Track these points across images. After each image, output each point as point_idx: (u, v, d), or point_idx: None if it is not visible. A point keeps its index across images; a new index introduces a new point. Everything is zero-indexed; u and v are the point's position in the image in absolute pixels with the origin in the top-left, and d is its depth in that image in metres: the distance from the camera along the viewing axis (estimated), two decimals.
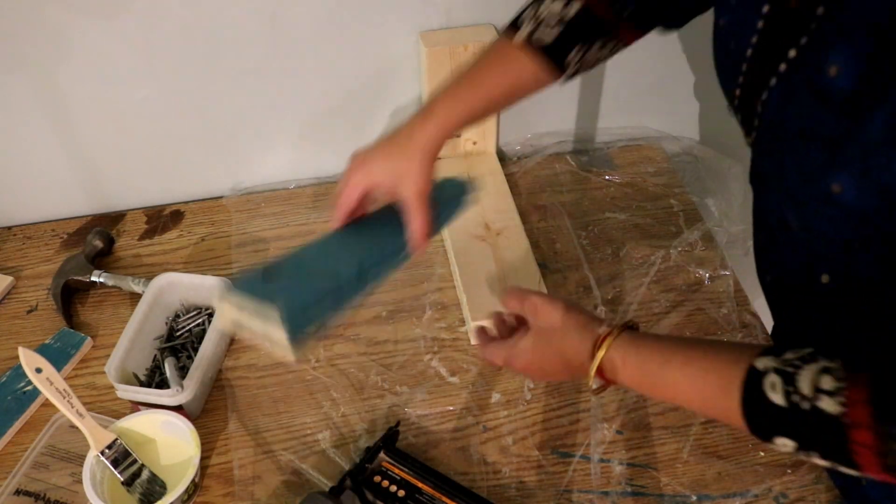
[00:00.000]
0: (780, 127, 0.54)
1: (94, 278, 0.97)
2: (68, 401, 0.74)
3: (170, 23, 0.94)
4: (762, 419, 0.52)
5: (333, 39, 1.00)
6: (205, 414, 0.86)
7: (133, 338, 0.85)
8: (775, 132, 0.56)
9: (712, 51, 0.64)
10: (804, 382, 0.49)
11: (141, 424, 0.80)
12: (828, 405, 0.48)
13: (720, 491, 0.78)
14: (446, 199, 0.71)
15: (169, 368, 0.85)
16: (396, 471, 0.77)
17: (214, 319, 0.87)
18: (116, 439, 0.76)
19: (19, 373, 0.89)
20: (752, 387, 0.52)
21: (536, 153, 1.16)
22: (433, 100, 0.71)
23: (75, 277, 0.97)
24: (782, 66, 0.52)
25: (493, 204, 1.04)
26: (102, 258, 1.04)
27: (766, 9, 0.54)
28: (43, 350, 0.91)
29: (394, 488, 0.76)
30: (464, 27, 1.02)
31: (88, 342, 0.93)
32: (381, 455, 0.78)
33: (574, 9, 0.69)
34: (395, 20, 1.00)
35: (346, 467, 0.80)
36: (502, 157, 1.12)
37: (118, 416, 0.81)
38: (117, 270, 1.02)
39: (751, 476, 0.79)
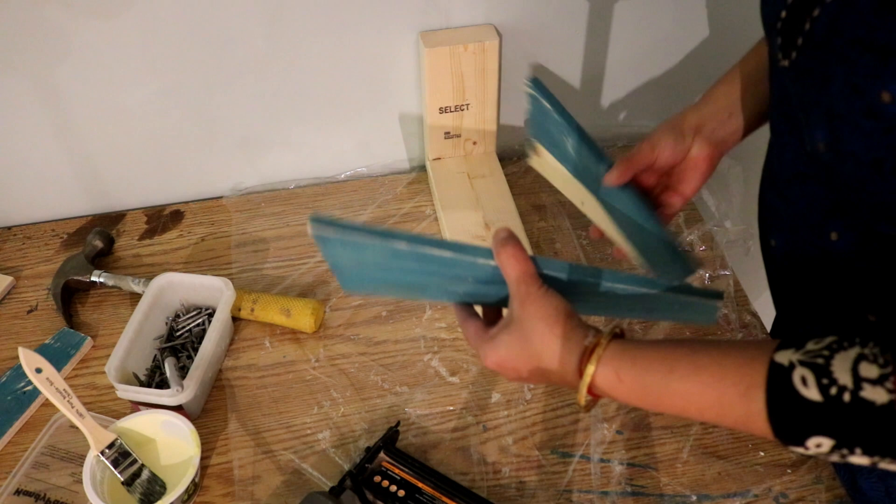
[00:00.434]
0: (831, 39, 0.52)
1: (94, 278, 0.97)
2: (68, 401, 0.74)
3: (169, 23, 0.94)
4: (794, 419, 0.47)
5: (333, 40, 1.00)
6: (205, 414, 0.86)
7: (133, 338, 0.85)
8: (825, 45, 0.53)
9: None
10: (841, 372, 0.45)
11: (141, 424, 0.80)
12: (874, 394, 0.44)
13: (720, 491, 0.78)
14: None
15: (169, 368, 0.85)
16: (396, 471, 0.77)
17: (214, 319, 0.87)
18: (116, 439, 0.76)
19: (19, 373, 0.89)
20: (779, 384, 0.48)
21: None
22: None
23: (75, 277, 0.97)
24: None
25: (493, 204, 1.04)
26: (102, 258, 1.04)
27: None
28: (43, 350, 0.91)
29: (394, 488, 0.76)
30: (464, 27, 1.02)
31: (88, 342, 0.93)
32: (381, 455, 0.78)
33: None
34: (395, 20, 1.00)
35: (346, 467, 0.80)
36: (502, 157, 1.12)
37: (118, 416, 0.81)
38: (117, 270, 1.02)
39: (751, 476, 0.79)
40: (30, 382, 0.86)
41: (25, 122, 1.00)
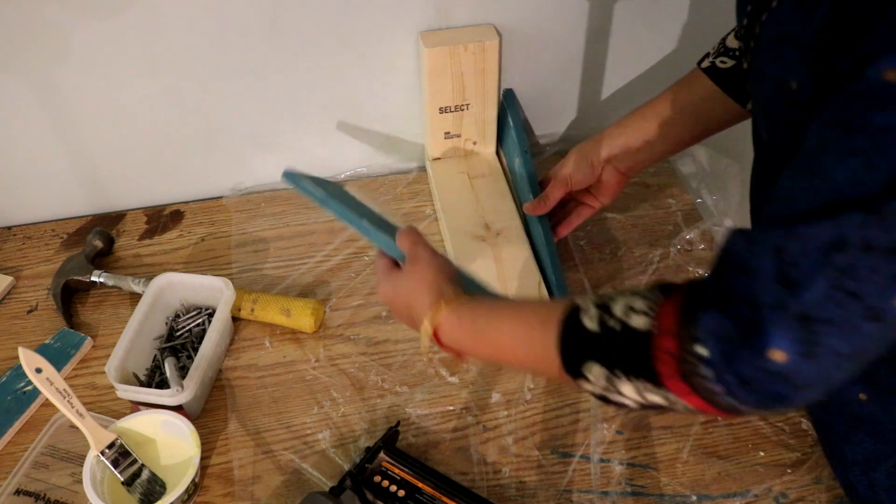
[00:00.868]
0: (767, 39, 0.58)
1: (94, 278, 0.98)
2: (68, 401, 0.74)
3: (170, 23, 0.94)
4: (574, 348, 0.54)
5: (333, 39, 1.00)
6: (205, 414, 0.86)
7: (133, 338, 0.85)
8: (763, 45, 0.58)
9: None
10: (619, 307, 0.51)
11: (141, 424, 0.80)
12: (637, 321, 0.50)
13: (720, 491, 0.78)
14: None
15: (169, 368, 0.85)
16: (396, 471, 0.77)
17: (214, 319, 0.87)
18: (116, 439, 0.76)
19: (19, 373, 0.89)
20: (570, 319, 0.54)
21: (536, 153, 1.16)
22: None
23: (75, 277, 0.97)
24: None
25: (493, 204, 1.04)
26: (102, 258, 1.04)
27: None
28: (43, 350, 0.91)
29: (394, 488, 0.76)
30: (464, 27, 1.02)
31: (88, 342, 0.93)
32: (381, 455, 0.78)
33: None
34: (395, 20, 1.00)
35: (346, 467, 0.80)
36: (511, 157, 1.12)
37: (118, 416, 0.81)
38: (117, 270, 1.02)
39: (751, 476, 0.79)
40: (30, 382, 0.86)
41: (25, 122, 1.00)
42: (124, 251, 1.06)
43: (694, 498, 0.77)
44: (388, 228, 0.75)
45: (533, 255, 0.96)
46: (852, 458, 0.72)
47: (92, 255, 1.01)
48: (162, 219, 1.10)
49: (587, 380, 0.53)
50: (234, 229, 1.08)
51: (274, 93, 1.04)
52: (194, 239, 1.07)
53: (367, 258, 1.02)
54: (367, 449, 0.79)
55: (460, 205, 1.04)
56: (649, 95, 1.13)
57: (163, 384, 0.86)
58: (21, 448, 0.83)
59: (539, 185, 0.99)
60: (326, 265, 1.02)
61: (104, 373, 0.82)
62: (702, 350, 0.46)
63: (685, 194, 1.10)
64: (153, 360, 0.89)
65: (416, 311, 0.67)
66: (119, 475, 0.75)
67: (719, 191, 1.09)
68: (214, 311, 0.90)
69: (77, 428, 0.75)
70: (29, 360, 0.73)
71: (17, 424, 0.85)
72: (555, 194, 0.93)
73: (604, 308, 0.53)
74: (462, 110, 1.06)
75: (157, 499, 0.73)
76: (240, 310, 0.94)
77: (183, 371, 0.86)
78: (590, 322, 0.53)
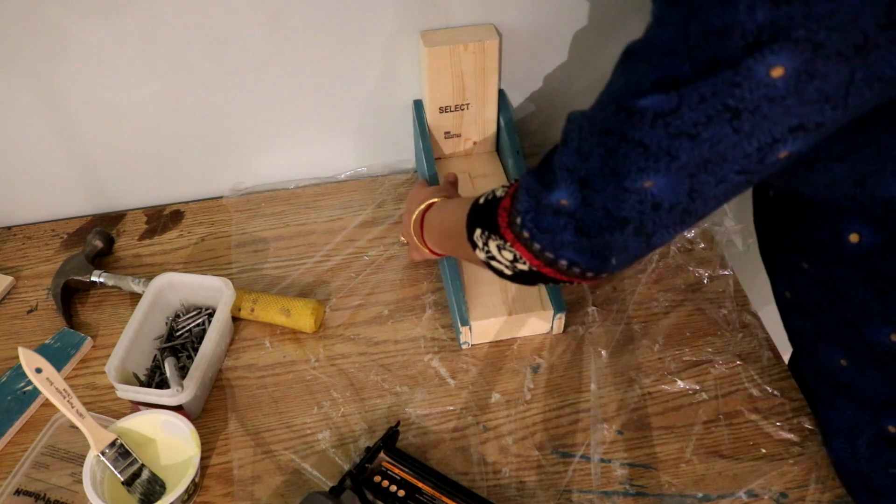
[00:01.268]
0: None
1: (94, 278, 0.97)
2: (68, 401, 0.74)
3: (169, 22, 0.94)
4: (470, 220, 0.67)
5: (333, 39, 1.00)
6: (205, 414, 0.86)
7: (133, 338, 0.85)
8: None
9: None
10: (501, 187, 0.66)
11: (141, 424, 0.80)
12: (499, 192, 0.65)
13: (721, 490, 0.78)
14: None
15: (169, 368, 0.85)
16: (396, 471, 0.77)
17: (214, 319, 0.87)
18: (116, 439, 0.76)
19: (19, 373, 0.89)
20: (475, 201, 0.68)
21: (535, 154, 1.16)
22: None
23: (75, 277, 0.97)
24: None
25: None
26: (102, 258, 1.04)
27: None
28: (43, 350, 0.91)
29: (394, 488, 0.76)
30: (464, 27, 1.02)
31: (88, 342, 0.93)
32: (381, 455, 0.78)
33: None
34: (395, 20, 1.00)
35: (346, 467, 0.80)
36: (504, 157, 1.12)
37: (118, 416, 0.81)
38: (117, 270, 1.02)
39: (751, 476, 0.79)
40: (30, 382, 0.86)
41: (25, 122, 1.00)
42: (124, 251, 1.06)
43: (694, 498, 0.77)
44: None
45: None
46: (838, 426, 0.74)
47: (92, 255, 1.01)
48: (162, 219, 1.10)
49: (476, 245, 0.66)
50: (234, 229, 1.08)
51: (274, 93, 1.04)
52: (194, 239, 1.07)
53: (366, 258, 1.02)
54: (367, 449, 0.79)
55: None
56: None
57: (163, 384, 0.86)
58: (21, 448, 0.83)
59: None
60: (326, 265, 1.02)
61: (104, 373, 0.82)
62: (518, 203, 0.60)
63: None
64: (153, 360, 0.89)
65: (413, 202, 0.87)
66: (119, 475, 0.75)
67: None
68: (214, 311, 0.90)
69: (77, 428, 0.75)
70: (29, 360, 0.73)
71: (17, 424, 0.85)
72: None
73: (491, 191, 0.66)
74: (462, 110, 1.06)
75: (157, 499, 0.73)
76: (240, 310, 0.94)
77: (183, 371, 0.86)
78: (481, 200, 0.67)
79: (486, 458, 0.81)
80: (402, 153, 1.15)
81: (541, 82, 1.11)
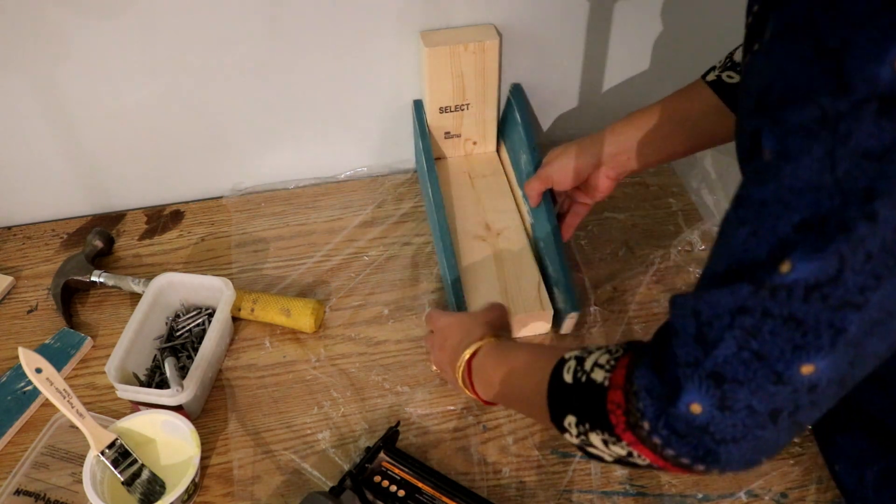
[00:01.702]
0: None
1: (94, 278, 0.97)
2: (68, 401, 0.74)
3: (169, 23, 0.94)
4: (556, 400, 0.57)
5: (333, 39, 1.00)
6: (205, 414, 0.86)
7: (133, 338, 0.85)
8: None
9: None
10: (589, 361, 0.56)
11: (141, 424, 0.80)
12: (597, 375, 0.54)
13: (721, 491, 0.78)
14: None
15: (169, 368, 0.85)
16: (396, 471, 0.77)
17: (214, 319, 0.87)
18: (116, 439, 0.76)
19: (19, 373, 0.89)
20: (556, 372, 0.58)
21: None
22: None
23: (75, 277, 0.97)
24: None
25: (493, 204, 1.04)
26: (102, 258, 1.04)
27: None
28: (43, 350, 0.91)
29: (394, 488, 0.76)
30: (464, 27, 1.02)
31: (88, 342, 0.93)
32: (381, 455, 0.78)
33: None
34: (395, 20, 1.00)
35: (346, 467, 0.80)
36: (503, 157, 1.12)
37: (118, 416, 0.81)
38: (117, 270, 1.02)
39: (751, 476, 0.79)
40: (30, 382, 0.86)
41: (26, 122, 1.00)
42: (124, 251, 1.06)
43: (695, 498, 0.77)
44: None
45: (533, 256, 0.96)
46: (843, 449, 0.72)
47: (92, 255, 1.01)
48: (162, 219, 1.10)
49: (567, 430, 0.57)
50: (234, 229, 1.08)
51: (274, 93, 1.04)
52: (194, 239, 1.07)
53: (366, 258, 1.02)
54: (367, 449, 0.79)
55: (461, 205, 1.04)
56: (650, 94, 1.12)
57: (163, 384, 0.86)
58: (21, 448, 0.83)
59: None
60: (326, 265, 1.02)
61: (104, 373, 0.82)
62: (640, 404, 0.49)
63: (685, 194, 1.10)
64: (153, 360, 0.89)
65: (455, 349, 0.74)
66: (119, 475, 0.75)
67: (719, 191, 1.09)
68: (214, 311, 0.90)
69: (77, 428, 0.75)
70: (29, 360, 0.72)
71: (17, 424, 0.85)
72: (533, 185, 0.94)
73: (579, 361, 0.56)
74: (462, 110, 1.06)
75: (157, 499, 0.73)
76: (240, 310, 0.93)
77: (183, 371, 0.86)
78: (567, 375, 0.57)
79: (487, 458, 0.81)
80: (402, 153, 1.15)
81: (541, 82, 1.11)
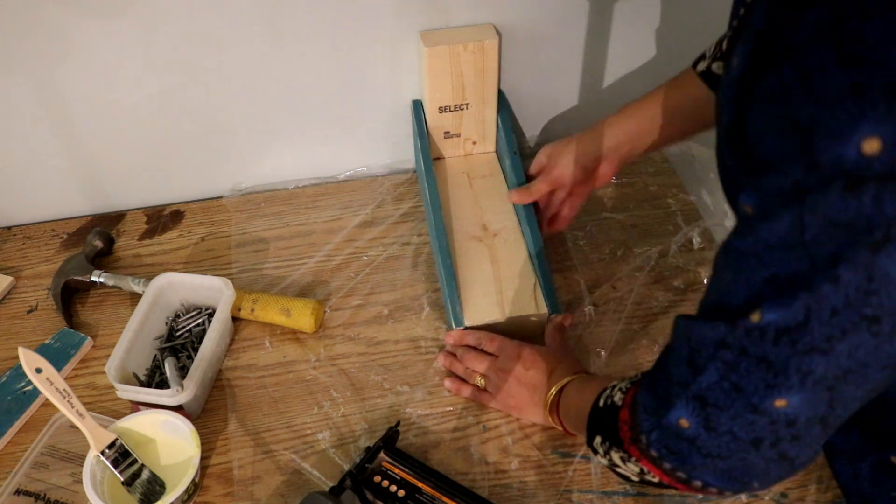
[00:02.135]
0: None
1: (94, 278, 0.98)
2: (68, 401, 0.74)
3: (169, 23, 0.94)
4: (590, 423, 0.64)
5: (333, 39, 1.00)
6: (205, 414, 0.86)
7: (133, 338, 0.85)
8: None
9: None
10: (617, 387, 0.62)
11: (141, 424, 0.80)
12: (617, 397, 0.61)
13: None
14: None
15: (169, 368, 0.85)
16: (396, 471, 0.77)
17: (214, 319, 0.87)
18: (116, 439, 0.76)
19: (19, 373, 0.89)
20: (596, 400, 0.64)
21: (531, 154, 1.15)
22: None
23: (75, 277, 0.97)
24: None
25: (491, 205, 1.04)
26: (102, 258, 1.04)
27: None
28: (43, 350, 0.91)
29: (394, 488, 0.76)
30: (464, 27, 1.02)
31: (88, 342, 0.93)
32: (381, 455, 0.78)
33: None
34: (395, 20, 1.00)
35: (346, 467, 0.80)
36: (502, 157, 1.12)
37: (118, 416, 0.81)
38: (117, 270, 1.02)
39: None
40: (30, 382, 0.86)
41: (26, 122, 1.00)
42: (124, 251, 1.06)
43: (695, 498, 0.77)
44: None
45: (529, 257, 0.96)
46: (840, 448, 0.74)
47: (92, 255, 1.01)
48: (162, 219, 1.10)
49: (597, 451, 0.63)
50: (234, 229, 1.08)
51: (274, 93, 1.04)
52: (194, 239, 1.07)
53: (366, 258, 1.02)
54: (367, 449, 0.79)
55: (459, 205, 1.04)
56: None
57: (163, 384, 0.86)
58: (21, 448, 0.83)
59: (527, 180, 1.00)
60: (326, 265, 1.02)
61: (104, 373, 0.82)
62: (639, 418, 0.55)
63: (685, 194, 1.10)
64: (153, 360, 0.89)
65: (537, 386, 0.79)
66: (119, 475, 0.75)
67: (719, 191, 1.09)
68: (214, 311, 0.90)
69: (77, 428, 0.75)
70: (29, 360, 0.73)
71: (17, 424, 0.85)
72: (541, 188, 0.95)
73: (612, 388, 0.63)
74: (462, 110, 1.06)
75: (157, 499, 0.73)
76: (240, 310, 0.94)
77: (183, 371, 0.86)
78: (601, 400, 0.63)
79: (487, 458, 0.81)
80: (402, 153, 1.15)
81: (540, 82, 1.11)
